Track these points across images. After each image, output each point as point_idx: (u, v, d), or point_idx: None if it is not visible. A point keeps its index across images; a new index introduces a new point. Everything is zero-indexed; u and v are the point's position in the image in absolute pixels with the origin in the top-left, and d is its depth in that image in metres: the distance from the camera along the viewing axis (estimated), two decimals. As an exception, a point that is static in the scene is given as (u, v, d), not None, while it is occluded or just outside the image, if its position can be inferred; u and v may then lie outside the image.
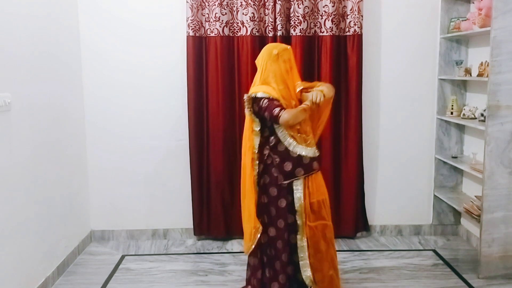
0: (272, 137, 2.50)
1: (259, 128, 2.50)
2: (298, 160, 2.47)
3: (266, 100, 2.40)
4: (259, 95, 2.42)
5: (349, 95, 3.52)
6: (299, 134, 2.48)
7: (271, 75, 2.47)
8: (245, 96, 2.49)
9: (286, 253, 2.54)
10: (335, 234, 2.63)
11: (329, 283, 2.54)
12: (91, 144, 3.64)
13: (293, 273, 2.59)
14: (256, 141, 2.51)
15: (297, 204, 2.48)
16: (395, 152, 3.71)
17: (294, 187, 2.49)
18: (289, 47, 2.57)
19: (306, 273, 2.50)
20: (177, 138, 3.64)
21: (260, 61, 2.53)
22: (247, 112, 2.51)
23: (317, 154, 2.55)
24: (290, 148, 2.46)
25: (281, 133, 2.47)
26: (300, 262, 2.51)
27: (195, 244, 3.66)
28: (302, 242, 2.50)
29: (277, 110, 2.36)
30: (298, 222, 2.50)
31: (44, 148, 2.94)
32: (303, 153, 2.47)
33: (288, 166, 2.47)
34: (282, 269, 2.54)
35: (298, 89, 2.53)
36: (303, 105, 2.43)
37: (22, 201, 2.65)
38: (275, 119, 2.37)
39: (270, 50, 2.52)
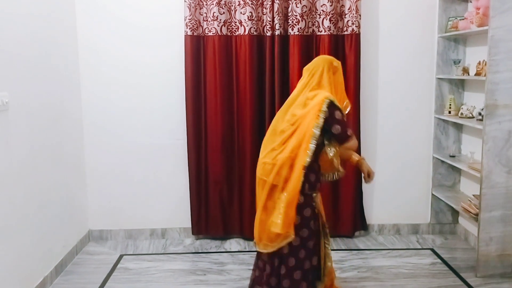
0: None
1: (319, 127, 2.26)
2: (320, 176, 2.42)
3: (340, 114, 2.29)
4: (336, 102, 2.29)
5: (347, 94, 3.49)
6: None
7: (329, 87, 2.36)
8: (326, 100, 2.27)
9: (309, 261, 2.41)
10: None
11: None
12: (89, 143, 3.63)
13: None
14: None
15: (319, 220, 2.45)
16: (393, 151, 3.71)
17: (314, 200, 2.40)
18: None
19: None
20: (175, 137, 3.63)
21: (314, 69, 2.39)
22: (316, 111, 2.27)
23: (329, 179, 2.51)
24: (330, 154, 2.33)
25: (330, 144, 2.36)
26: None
27: (193, 243, 3.65)
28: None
29: (350, 131, 2.31)
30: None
31: (42, 147, 2.93)
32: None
33: (312, 177, 2.36)
34: (303, 277, 2.39)
35: (347, 110, 2.46)
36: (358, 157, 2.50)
37: (20, 201, 2.64)
38: (345, 139, 2.30)
39: (329, 61, 2.41)
